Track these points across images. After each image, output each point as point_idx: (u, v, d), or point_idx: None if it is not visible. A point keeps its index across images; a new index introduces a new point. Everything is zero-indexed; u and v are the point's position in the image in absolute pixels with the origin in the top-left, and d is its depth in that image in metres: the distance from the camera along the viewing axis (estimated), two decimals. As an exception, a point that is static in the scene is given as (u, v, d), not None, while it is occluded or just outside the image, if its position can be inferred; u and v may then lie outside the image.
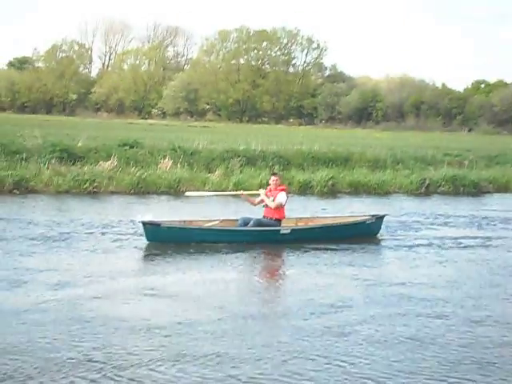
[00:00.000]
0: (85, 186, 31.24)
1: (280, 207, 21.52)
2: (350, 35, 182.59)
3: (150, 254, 20.41)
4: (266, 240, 21.50)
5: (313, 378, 10.79)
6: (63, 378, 10.33)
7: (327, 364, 11.56)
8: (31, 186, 31.03)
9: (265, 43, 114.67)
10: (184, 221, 22.35)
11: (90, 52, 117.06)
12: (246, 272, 19.29)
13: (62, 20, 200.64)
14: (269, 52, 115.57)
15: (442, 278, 18.08)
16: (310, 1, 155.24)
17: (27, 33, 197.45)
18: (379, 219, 23.92)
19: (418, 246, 22.70)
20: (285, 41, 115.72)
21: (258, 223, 21.47)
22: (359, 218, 24.13)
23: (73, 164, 34.09)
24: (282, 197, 21.50)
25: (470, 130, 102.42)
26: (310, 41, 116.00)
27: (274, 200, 21.40)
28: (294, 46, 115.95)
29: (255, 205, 22.38)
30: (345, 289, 16.75)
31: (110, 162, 34.48)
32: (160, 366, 11.03)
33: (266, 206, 21.68)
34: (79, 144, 36.90)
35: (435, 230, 26.31)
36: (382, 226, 24.15)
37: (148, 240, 20.88)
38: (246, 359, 11.58)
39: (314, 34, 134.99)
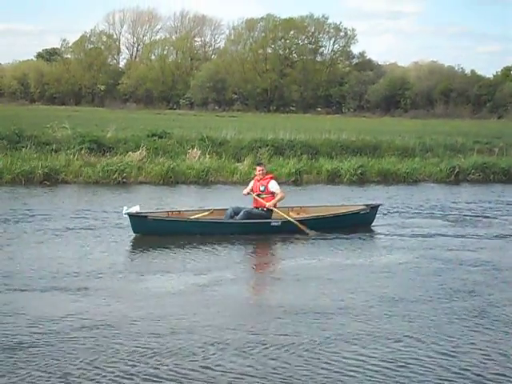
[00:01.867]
0: (114, 177, 31.63)
1: (274, 196, 21.59)
2: (378, 22, 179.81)
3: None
4: (255, 232, 21.27)
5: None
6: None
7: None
8: (61, 177, 31.40)
9: (292, 32, 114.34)
10: (172, 211, 22.38)
11: (117, 43, 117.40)
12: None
13: (90, 11, 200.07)
14: (296, 41, 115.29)
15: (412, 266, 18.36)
16: None
17: (56, 24, 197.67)
18: (373, 209, 24.02)
19: (409, 235, 22.75)
20: (312, 29, 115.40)
21: (249, 214, 21.37)
22: (353, 208, 24.03)
23: (102, 155, 34.63)
24: (274, 184, 21.72)
25: (499, 117, 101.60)
26: (337, 29, 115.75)
27: (265, 190, 21.59)
28: (321, 35, 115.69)
29: (245, 195, 22.32)
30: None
31: (138, 152, 34.92)
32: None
33: (256, 198, 21.73)
34: (108, 135, 37.43)
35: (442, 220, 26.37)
36: (377, 215, 24.14)
37: (134, 232, 20.74)
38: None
39: (342, 22, 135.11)
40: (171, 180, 32.79)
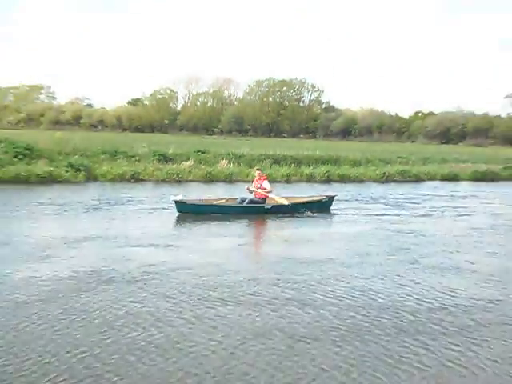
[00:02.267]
0: (173, 177, 32.10)
1: (269, 189, 21.79)
2: (339, 81, 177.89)
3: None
4: (255, 212, 21.34)
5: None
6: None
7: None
8: (141, 177, 31.75)
9: (284, 88, 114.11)
10: (203, 199, 22.30)
11: (176, 94, 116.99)
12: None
13: (161, 73, 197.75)
14: (287, 93, 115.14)
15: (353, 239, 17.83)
16: (314, 57, 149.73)
17: (139, 82, 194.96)
18: (331, 198, 23.70)
19: (362, 214, 22.93)
20: (297, 86, 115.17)
21: (251, 201, 21.53)
22: (317, 198, 23.66)
23: (166, 163, 34.82)
24: (266, 183, 21.94)
25: (412, 142, 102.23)
26: (313, 86, 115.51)
27: (261, 187, 21.76)
28: (302, 89, 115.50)
29: (250, 192, 22.00)
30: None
31: (189, 162, 34.95)
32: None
33: (254, 191, 21.82)
34: (170, 151, 37.36)
35: (372, 205, 26.43)
36: (333, 203, 23.81)
37: (178, 211, 20.59)
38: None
39: (316, 81, 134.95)
40: (209, 179, 32.98)
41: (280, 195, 22.81)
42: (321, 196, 24.00)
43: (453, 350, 8.60)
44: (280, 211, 21.56)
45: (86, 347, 8.04)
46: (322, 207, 22.98)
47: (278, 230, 19.20)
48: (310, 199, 23.49)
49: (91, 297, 10.32)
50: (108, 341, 8.29)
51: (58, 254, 13.64)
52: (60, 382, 6.99)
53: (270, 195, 21.78)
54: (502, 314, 10.38)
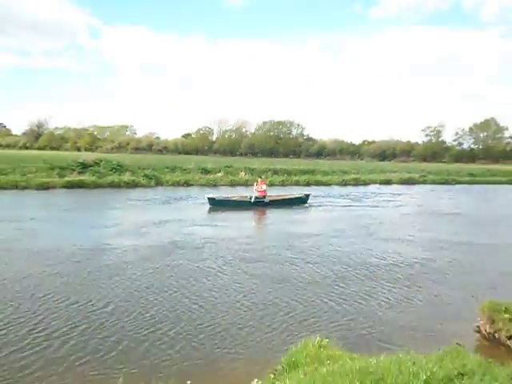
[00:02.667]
0: (211, 183, 31.40)
1: (265, 191, 21.23)
2: (315, 120, 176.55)
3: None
4: (259, 205, 20.64)
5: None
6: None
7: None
8: (191, 183, 31.12)
9: (280, 126, 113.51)
10: (227, 197, 21.73)
11: (212, 130, 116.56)
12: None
13: (202, 116, 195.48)
14: (282, 129, 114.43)
15: (325, 223, 17.90)
16: (300, 106, 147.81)
17: (188, 122, 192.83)
18: (307, 196, 22.91)
19: (332, 205, 22.49)
20: (288, 125, 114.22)
21: (256, 198, 20.88)
22: (298, 195, 23.16)
23: (206, 174, 34.30)
24: (264, 186, 21.45)
25: (361, 159, 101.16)
26: (298, 124, 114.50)
27: (261, 188, 21.16)
28: (291, 127, 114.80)
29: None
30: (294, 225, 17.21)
31: (220, 173, 34.28)
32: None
33: (258, 192, 21.16)
34: (209, 166, 36.71)
35: (336, 200, 25.93)
36: (309, 199, 22.79)
37: (210, 205, 20.32)
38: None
39: (300, 121, 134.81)
40: (233, 184, 32.10)
41: (274, 194, 22.77)
42: (300, 194, 23.44)
43: (402, 289, 8.79)
44: (275, 204, 21.22)
45: (175, 289, 8.31)
46: (301, 202, 22.44)
47: (276, 216, 18.70)
48: (293, 196, 23.09)
49: (172, 257, 10.51)
50: (188, 285, 8.52)
51: (148, 231, 13.88)
52: (160, 302, 7.24)
53: (265, 195, 21.33)
54: (432, 267, 10.47)
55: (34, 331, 6.26)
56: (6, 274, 8.75)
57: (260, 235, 14.51)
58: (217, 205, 20.41)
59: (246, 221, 17.59)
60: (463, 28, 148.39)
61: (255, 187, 21.62)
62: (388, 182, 41.31)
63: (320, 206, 22.39)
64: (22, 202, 20.78)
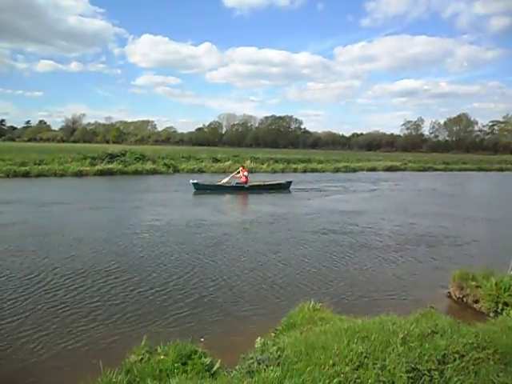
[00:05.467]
0: (221, 170, 30.60)
1: (246, 177, 19.83)
2: (310, 116, 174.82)
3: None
4: (240, 190, 19.23)
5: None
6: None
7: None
8: (203, 170, 30.90)
9: (281, 120, 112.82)
10: (212, 182, 20.11)
11: (221, 124, 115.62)
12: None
13: (212, 113, 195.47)
14: (282, 123, 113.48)
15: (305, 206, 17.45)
16: (299, 102, 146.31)
17: (201, 117, 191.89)
18: (289, 182, 21.23)
19: (306, 192, 20.80)
20: (288, 120, 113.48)
21: (237, 183, 19.60)
22: (281, 182, 21.53)
23: (216, 162, 33.77)
24: (246, 173, 20.01)
25: (351, 150, 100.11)
26: (296, 119, 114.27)
27: (242, 176, 19.77)
28: (291, 121, 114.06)
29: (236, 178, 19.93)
30: (276, 207, 16.62)
31: (229, 162, 33.77)
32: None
33: (240, 178, 19.81)
34: (219, 156, 36.19)
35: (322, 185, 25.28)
36: (292, 186, 21.13)
37: (194, 189, 18.97)
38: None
39: (298, 116, 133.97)
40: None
41: (259, 180, 21.66)
42: (284, 181, 21.75)
43: (387, 258, 8.70)
44: (255, 190, 19.77)
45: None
46: (282, 188, 20.84)
47: (257, 199, 17.65)
48: (274, 182, 21.51)
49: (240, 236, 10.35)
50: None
51: (184, 208, 13.63)
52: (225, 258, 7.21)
53: (246, 181, 19.97)
54: (425, 237, 10.29)
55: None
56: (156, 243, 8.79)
57: (259, 215, 14.10)
58: (201, 189, 19.10)
59: (226, 203, 16.95)
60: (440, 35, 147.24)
61: (237, 174, 20.26)
62: (373, 169, 41.02)
63: (299, 191, 20.85)
64: (78, 186, 21.16)
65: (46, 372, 4.35)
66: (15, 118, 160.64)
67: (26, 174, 23.83)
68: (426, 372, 3.39)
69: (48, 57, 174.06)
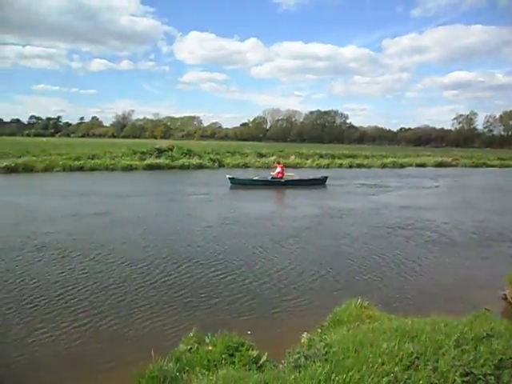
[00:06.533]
0: (265, 165, 30.75)
1: (280, 172, 19.65)
2: (355, 112, 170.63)
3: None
4: (276, 184, 19.00)
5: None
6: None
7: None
8: (248, 165, 31.08)
9: (325, 115, 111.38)
10: (248, 177, 20.01)
11: (266, 119, 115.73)
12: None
13: (257, 109, 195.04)
14: (327, 118, 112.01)
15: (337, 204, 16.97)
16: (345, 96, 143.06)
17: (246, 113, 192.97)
18: (325, 178, 20.92)
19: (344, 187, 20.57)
20: (332, 114, 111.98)
21: (273, 177, 19.55)
22: (317, 177, 21.33)
23: (261, 157, 34.18)
24: (278, 169, 19.76)
25: (398, 145, 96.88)
26: (341, 114, 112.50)
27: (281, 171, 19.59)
28: (336, 116, 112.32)
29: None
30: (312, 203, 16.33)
31: (274, 157, 33.37)
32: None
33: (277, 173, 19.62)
34: (263, 151, 36.68)
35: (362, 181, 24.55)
36: (328, 181, 20.79)
37: (230, 183, 19.07)
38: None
39: (343, 111, 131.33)
40: (285, 166, 30.91)
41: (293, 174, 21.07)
42: (321, 176, 21.51)
43: (439, 254, 8.25)
44: (291, 184, 19.44)
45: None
46: (319, 183, 20.48)
47: (293, 193, 17.63)
48: (311, 178, 21.15)
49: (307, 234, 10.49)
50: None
51: (248, 203, 13.92)
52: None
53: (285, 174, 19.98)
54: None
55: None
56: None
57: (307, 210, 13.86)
58: (236, 184, 19.11)
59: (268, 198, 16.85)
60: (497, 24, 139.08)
61: (273, 172, 20.11)
62: (423, 165, 39.63)
63: (335, 186, 20.35)
64: (135, 180, 22.16)
65: (100, 356, 4.59)
66: (70, 115, 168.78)
67: (81, 168, 25.00)
68: (481, 377, 3.25)
69: (101, 56, 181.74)
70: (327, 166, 33.88)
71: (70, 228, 9.96)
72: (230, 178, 19.52)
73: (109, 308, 5.67)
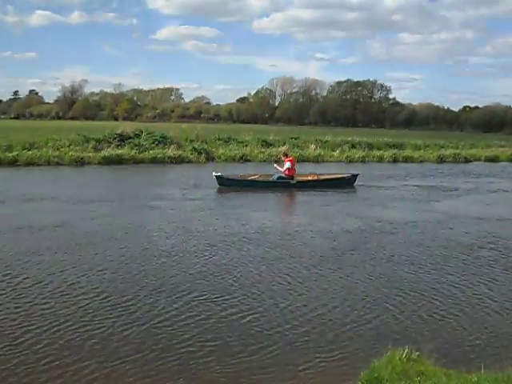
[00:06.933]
0: (273, 158, 30.54)
1: (287, 170, 19.65)
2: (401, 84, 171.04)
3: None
4: (283, 186, 19.38)
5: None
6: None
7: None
8: (248, 158, 31.62)
9: (359, 88, 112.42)
10: (240, 175, 20.60)
11: (274, 93, 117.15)
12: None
13: (261, 77, 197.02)
14: (361, 92, 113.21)
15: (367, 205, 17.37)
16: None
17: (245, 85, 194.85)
18: (355, 176, 21.13)
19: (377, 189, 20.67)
20: (369, 86, 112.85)
21: (279, 177, 19.70)
22: (343, 175, 21.44)
23: (267, 147, 34.65)
24: (287, 165, 19.70)
25: (461, 131, 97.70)
26: (381, 85, 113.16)
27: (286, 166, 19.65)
28: (373, 89, 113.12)
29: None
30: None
31: (285, 146, 33.55)
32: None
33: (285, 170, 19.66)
34: (270, 137, 37.25)
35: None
36: (359, 180, 21.10)
37: (218, 185, 19.37)
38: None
39: (384, 81, 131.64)
40: (301, 160, 30.33)
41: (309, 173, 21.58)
42: (346, 174, 21.77)
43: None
44: (304, 186, 19.82)
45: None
46: (345, 184, 20.66)
47: (310, 200, 17.82)
48: (335, 177, 21.17)
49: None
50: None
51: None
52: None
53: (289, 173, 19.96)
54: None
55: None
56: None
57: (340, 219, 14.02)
58: (226, 185, 19.42)
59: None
60: None
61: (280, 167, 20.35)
62: (495, 159, 39.82)
63: (364, 186, 20.84)
64: (90, 179, 22.34)
65: None
66: (0, 88, 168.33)
67: (13, 163, 25.19)
68: None
69: (43, 6, 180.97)
70: (362, 160, 34.22)
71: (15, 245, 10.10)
72: (216, 177, 19.56)
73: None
